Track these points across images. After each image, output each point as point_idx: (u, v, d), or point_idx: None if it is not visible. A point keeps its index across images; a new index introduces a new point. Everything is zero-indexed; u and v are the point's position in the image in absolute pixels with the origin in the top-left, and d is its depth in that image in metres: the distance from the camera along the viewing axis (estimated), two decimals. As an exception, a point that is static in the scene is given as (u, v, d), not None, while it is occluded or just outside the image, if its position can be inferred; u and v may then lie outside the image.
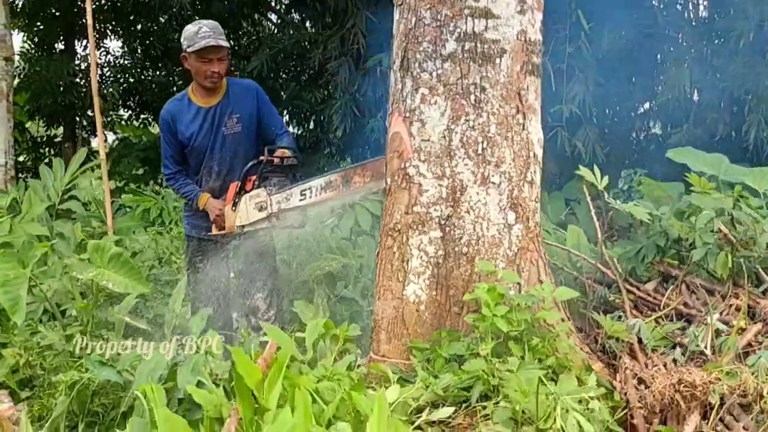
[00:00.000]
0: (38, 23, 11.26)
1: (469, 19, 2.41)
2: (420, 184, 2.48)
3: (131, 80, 11.57)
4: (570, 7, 7.28)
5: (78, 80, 10.88)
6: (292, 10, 11.94)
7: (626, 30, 7.68)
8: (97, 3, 11.33)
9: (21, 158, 10.99)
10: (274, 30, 11.93)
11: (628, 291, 2.79)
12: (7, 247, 4.08)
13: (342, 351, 2.44)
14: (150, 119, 11.91)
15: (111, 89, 11.03)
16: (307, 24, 11.26)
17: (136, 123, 12.13)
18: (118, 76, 11.59)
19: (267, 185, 3.36)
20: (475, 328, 2.29)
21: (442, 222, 2.47)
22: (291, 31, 11.46)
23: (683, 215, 2.78)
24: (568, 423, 1.73)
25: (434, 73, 2.46)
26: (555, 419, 1.73)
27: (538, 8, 2.54)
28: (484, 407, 2.13)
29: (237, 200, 3.39)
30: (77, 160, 5.06)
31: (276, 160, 3.37)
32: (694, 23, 9.16)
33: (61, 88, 10.38)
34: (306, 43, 10.92)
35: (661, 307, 2.62)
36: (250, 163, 3.41)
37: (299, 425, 1.52)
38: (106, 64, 11.73)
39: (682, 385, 1.89)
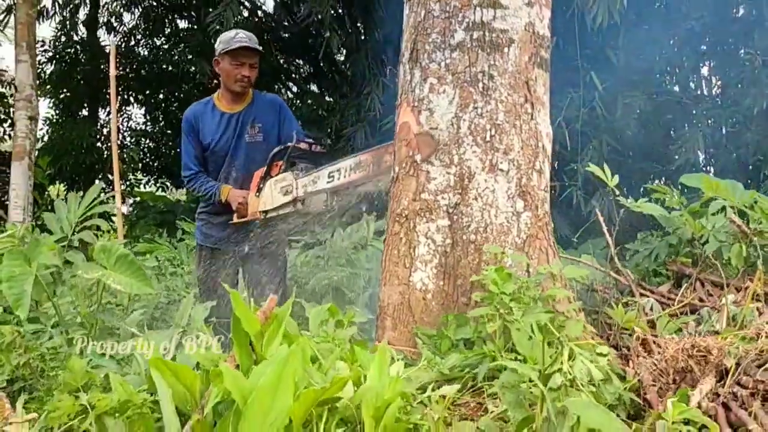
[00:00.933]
0: (64, 89, 11.61)
1: (478, 9, 2.45)
2: (428, 172, 2.47)
3: (151, 145, 11.81)
4: (584, 68, 7.42)
5: (99, 144, 11.12)
6: (311, 81, 12.27)
7: (639, 94, 7.79)
8: (122, 71, 11.73)
9: (40, 221, 11.10)
10: (293, 99, 12.21)
11: (642, 294, 2.72)
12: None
13: (346, 337, 2.38)
14: (168, 184, 12.10)
15: (131, 153, 11.25)
16: (325, 93, 11.56)
17: (154, 187, 12.30)
18: (139, 140, 11.83)
19: (294, 170, 3.34)
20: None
21: (450, 210, 2.45)
22: (309, 101, 11.76)
23: (696, 215, 2.74)
24: (576, 368, 1.66)
25: (443, 63, 2.49)
26: (562, 363, 1.66)
27: (546, 4, 2.59)
28: (492, 386, 2.05)
29: (262, 186, 3.37)
30: (92, 193, 5.09)
31: (303, 146, 3.36)
32: (707, 90, 9.31)
33: (83, 150, 10.60)
34: (323, 111, 11.17)
35: (675, 303, 2.55)
36: (277, 149, 3.41)
37: (294, 357, 1.46)
38: (127, 130, 12.01)
39: (696, 349, 1.81)
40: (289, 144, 3.37)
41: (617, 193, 2.65)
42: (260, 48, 3.66)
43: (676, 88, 9.15)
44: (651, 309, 2.32)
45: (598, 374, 1.68)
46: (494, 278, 2.17)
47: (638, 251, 2.90)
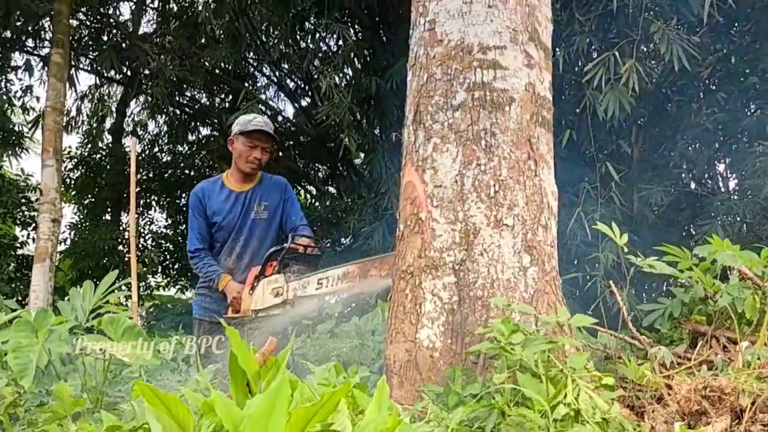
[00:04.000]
0: (88, 195, 11.89)
1: (478, 70, 2.52)
2: (433, 229, 2.47)
3: (171, 248, 11.95)
4: (599, 159, 7.49)
5: (121, 247, 11.27)
6: (329, 183, 12.48)
7: (656, 187, 7.80)
8: (145, 176, 12.04)
9: (59, 323, 11.12)
10: (312, 201, 12.39)
11: (654, 357, 2.63)
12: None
13: (351, 397, 2.31)
14: (188, 285, 12.15)
15: (151, 255, 11.38)
16: (343, 194, 11.72)
17: (173, 290, 12.35)
18: (160, 243, 11.98)
19: (286, 272, 3.39)
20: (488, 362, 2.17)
21: (456, 266, 2.43)
22: (328, 201, 11.93)
23: (708, 271, 2.69)
24: (581, 399, 1.58)
25: (445, 123, 2.53)
26: (566, 395, 1.59)
27: (546, 68, 2.65)
28: (501, 440, 1.97)
29: (255, 284, 3.40)
30: (107, 281, 5.13)
31: (299, 248, 3.42)
32: (723, 183, 9.32)
33: (104, 254, 10.74)
34: (341, 212, 11.30)
35: (692, 361, 2.46)
36: (273, 249, 3.46)
37: (286, 386, 1.42)
38: (149, 233, 12.20)
39: (709, 389, 1.74)
40: (285, 245, 3.45)
41: (626, 250, 2.61)
42: (274, 134, 3.78)
43: (692, 183, 9.18)
44: (663, 357, 2.23)
45: (604, 405, 1.60)
46: (501, 329, 2.12)
47: (652, 311, 2.83)
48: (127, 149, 12.63)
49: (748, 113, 8.29)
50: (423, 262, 2.46)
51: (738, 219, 8.14)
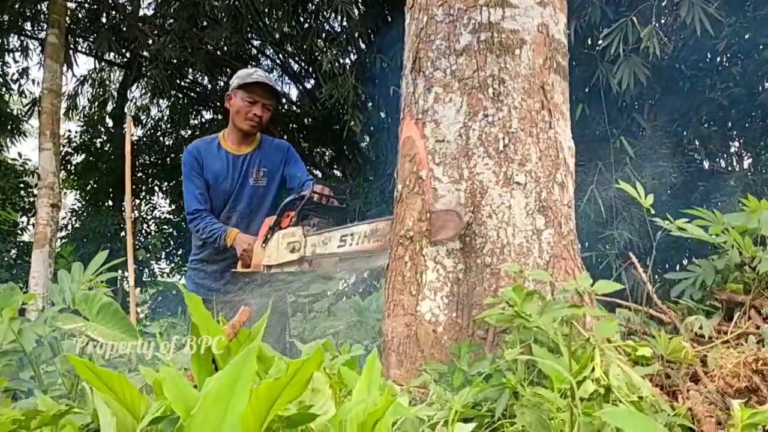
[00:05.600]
0: (90, 181, 11.67)
1: (485, 9, 2.23)
2: (435, 189, 2.20)
3: (175, 234, 11.72)
4: (613, 134, 7.20)
5: (123, 233, 11.05)
6: (334, 166, 12.23)
7: (669, 164, 7.53)
8: (148, 161, 11.80)
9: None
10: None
11: (687, 330, 2.35)
12: (13, 354, 3.80)
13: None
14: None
15: (154, 240, 11.15)
16: (348, 177, 11.47)
17: (178, 276, 12.13)
18: (163, 228, 11.76)
19: (304, 225, 3.05)
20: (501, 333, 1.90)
21: (461, 230, 2.15)
22: (333, 184, 11.70)
23: (745, 234, 2.40)
24: (612, 374, 1.31)
25: (448, 70, 2.25)
26: (593, 369, 1.31)
27: (561, 8, 2.36)
28: (513, 423, 1.71)
29: (269, 236, 3.07)
30: (96, 262, 4.88)
31: (316, 197, 3.08)
32: (737, 160, 9.01)
33: (106, 239, 10.52)
34: (347, 195, 11.11)
35: (729, 334, 2.18)
36: (289, 198, 3.12)
37: (252, 358, 1.16)
38: (152, 219, 11.97)
39: (761, 362, 1.46)
40: (304, 193, 3.09)
41: (653, 212, 2.33)
42: (277, 88, 3.48)
43: (706, 161, 8.89)
44: (700, 328, 1.95)
45: (640, 381, 1.33)
46: (512, 297, 1.85)
47: (680, 280, 2.54)
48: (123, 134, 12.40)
49: (763, 88, 7.99)
50: (424, 226, 2.18)
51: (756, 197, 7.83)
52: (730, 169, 8.90)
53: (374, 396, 1.31)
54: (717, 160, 8.90)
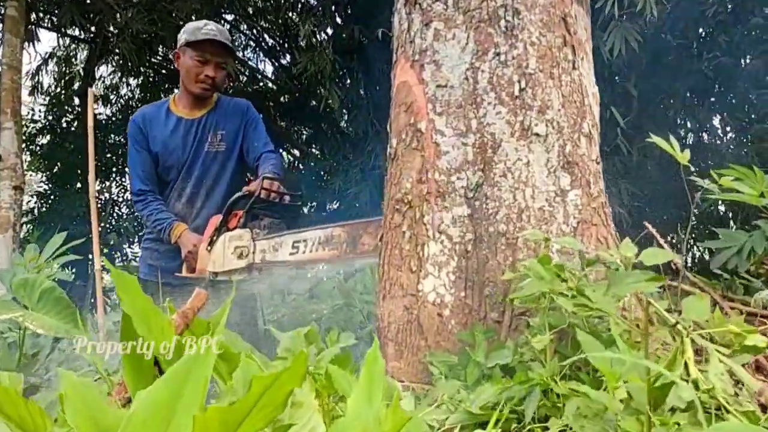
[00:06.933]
0: (57, 163, 11.15)
1: (493, -75, 1.84)
2: (437, 144, 1.81)
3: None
4: (603, 104, 6.88)
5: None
6: (313, 144, 11.84)
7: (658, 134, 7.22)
8: (118, 141, 11.30)
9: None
10: (296, 162, 11.73)
11: (732, 308, 2.00)
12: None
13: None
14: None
15: (126, 223, 10.69)
16: (327, 155, 11.09)
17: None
18: (134, 212, 11.29)
19: (254, 227, 2.67)
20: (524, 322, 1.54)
21: (470, 193, 1.78)
22: (312, 163, 11.33)
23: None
24: (711, 366, 0.95)
25: (450, 1, 1.86)
26: (686, 365, 0.95)
27: (580, -73, 1.98)
28: (546, 428, 1.35)
29: (215, 238, 2.70)
30: (52, 245, 4.45)
31: (264, 194, 2.71)
32: (721, 132, 8.74)
33: (74, 222, 10.06)
34: (326, 173, 10.78)
35: (789, 312, 1.84)
36: (238, 194, 2.74)
37: (202, 364, 0.78)
38: (123, 201, 11.48)
39: None
40: (252, 188, 2.72)
41: (692, 169, 1.96)
42: (231, 45, 3.06)
43: (692, 133, 8.62)
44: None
45: (755, 382, 0.97)
46: (538, 271, 1.48)
47: (721, 250, 2.18)
48: (98, 115, 11.87)
49: (750, 58, 7.71)
50: (425, 188, 1.80)
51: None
52: (718, 142, 8.64)
53: (377, 408, 0.94)
54: (706, 130, 8.64)
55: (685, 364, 0.95)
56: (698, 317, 1.16)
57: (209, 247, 2.69)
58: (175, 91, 11.58)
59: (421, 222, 1.78)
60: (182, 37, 3.06)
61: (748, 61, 7.72)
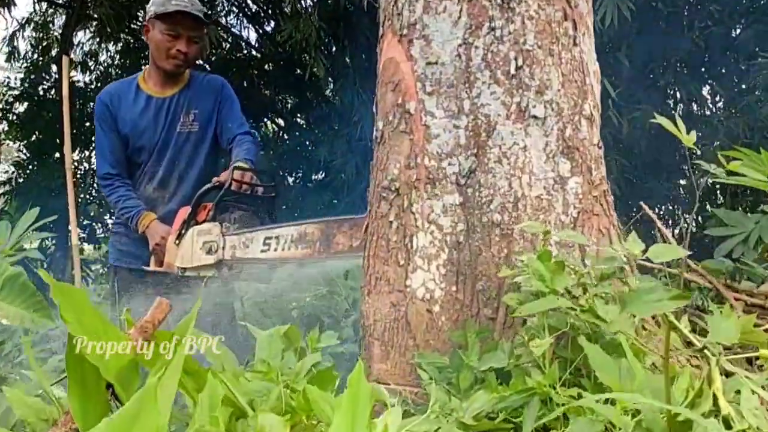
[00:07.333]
0: (35, 132, 10.89)
1: None
2: (427, 126, 1.68)
3: (129, 187, 11.05)
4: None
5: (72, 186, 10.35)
6: (298, 113, 11.66)
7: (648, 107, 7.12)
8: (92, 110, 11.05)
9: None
10: (280, 132, 11.54)
11: (737, 299, 1.90)
12: None
13: (313, 374, 1.54)
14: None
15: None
16: (313, 125, 10.92)
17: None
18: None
19: (224, 220, 2.52)
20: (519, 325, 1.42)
21: (462, 180, 1.65)
22: (297, 133, 11.15)
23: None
24: (744, 398, 0.84)
25: (441, -30, 1.71)
26: (715, 397, 0.84)
27: None
28: (547, 443, 1.24)
29: (183, 232, 2.54)
30: (24, 222, 4.28)
31: (235, 186, 2.55)
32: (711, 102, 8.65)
33: (53, 194, 9.84)
34: (311, 143, 10.64)
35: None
36: (207, 186, 2.59)
37: (151, 400, 0.65)
38: (104, 172, 11.26)
39: None
40: (221, 180, 2.56)
41: (697, 151, 1.84)
42: (203, 17, 2.88)
43: (682, 104, 8.50)
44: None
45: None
46: (537, 268, 1.36)
47: (727, 237, 2.07)
48: (76, 82, 11.59)
49: (741, 27, 7.59)
50: (413, 175, 1.67)
51: (739, 140, 7.50)
52: (708, 113, 8.54)
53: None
54: (697, 102, 8.54)
55: (714, 396, 0.84)
56: (727, 341, 1.04)
57: (177, 241, 2.54)
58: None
59: (410, 211, 1.65)
60: (151, 8, 2.87)
61: (738, 31, 7.60)
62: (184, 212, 2.60)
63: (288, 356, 1.50)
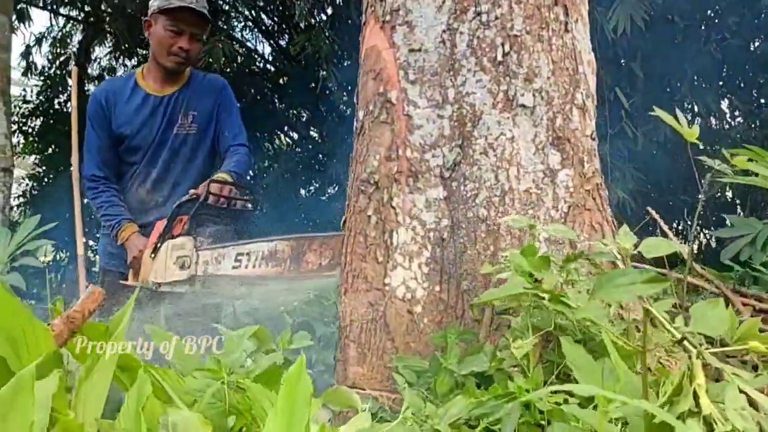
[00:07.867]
0: (50, 145, 10.95)
1: None
2: (409, 116, 1.59)
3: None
4: (607, 85, 6.65)
5: (86, 200, 10.38)
6: (311, 127, 11.64)
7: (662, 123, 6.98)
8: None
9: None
10: (293, 146, 11.53)
11: (745, 304, 1.78)
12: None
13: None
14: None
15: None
16: (326, 138, 10.89)
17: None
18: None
19: (198, 235, 2.43)
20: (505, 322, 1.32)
21: (446, 173, 1.55)
22: (310, 146, 11.14)
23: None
24: (729, 398, 0.74)
25: (425, -47, 1.63)
26: (696, 395, 0.74)
27: None
28: (527, 451, 1.13)
29: (159, 245, 2.46)
30: (25, 228, 4.25)
31: (212, 199, 2.47)
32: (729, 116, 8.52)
33: (67, 207, 9.87)
34: (324, 156, 10.62)
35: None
36: (184, 198, 2.51)
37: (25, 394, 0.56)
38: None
39: None
40: (198, 191, 2.48)
41: (701, 146, 1.73)
42: (207, 14, 2.82)
43: (699, 117, 8.37)
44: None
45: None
46: (521, 264, 1.26)
47: (732, 239, 1.95)
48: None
49: (760, 41, 7.45)
50: (394, 167, 1.57)
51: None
52: (727, 126, 8.41)
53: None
54: (713, 114, 8.41)
55: (695, 393, 0.73)
56: (712, 331, 0.93)
57: (153, 255, 2.46)
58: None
59: (390, 205, 1.55)
60: (154, 3, 2.81)
61: (757, 44, 7.47)
62: (161, 225, 2.52)
63: (258, 357, 1.41)
